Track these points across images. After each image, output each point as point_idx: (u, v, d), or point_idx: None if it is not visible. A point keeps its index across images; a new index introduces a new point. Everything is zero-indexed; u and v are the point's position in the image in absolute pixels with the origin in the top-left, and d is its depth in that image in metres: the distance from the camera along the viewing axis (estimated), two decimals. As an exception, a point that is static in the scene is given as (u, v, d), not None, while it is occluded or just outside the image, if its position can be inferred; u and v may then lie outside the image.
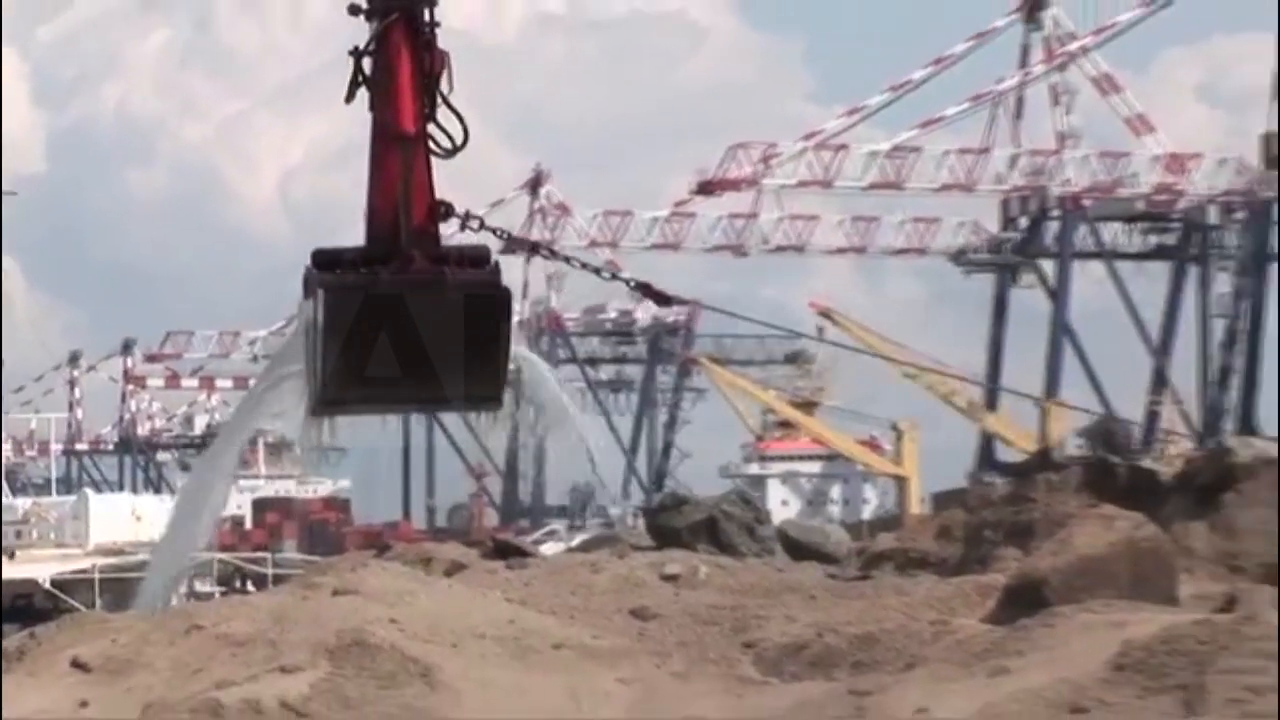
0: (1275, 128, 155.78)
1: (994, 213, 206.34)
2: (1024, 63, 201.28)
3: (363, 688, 25.98)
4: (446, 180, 29.40)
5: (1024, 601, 28.10)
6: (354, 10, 28.06)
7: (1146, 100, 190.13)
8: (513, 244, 31.65)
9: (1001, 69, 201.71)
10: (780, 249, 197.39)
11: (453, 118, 28.01)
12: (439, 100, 27.68)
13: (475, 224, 28.65)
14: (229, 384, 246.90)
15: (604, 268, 38.55)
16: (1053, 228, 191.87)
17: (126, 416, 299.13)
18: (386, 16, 28.09)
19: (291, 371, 29.19)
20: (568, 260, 36.47)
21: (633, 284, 33.78)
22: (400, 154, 28.17)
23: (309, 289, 28.15)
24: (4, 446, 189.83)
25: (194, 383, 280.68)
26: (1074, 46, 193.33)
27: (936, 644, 27.06)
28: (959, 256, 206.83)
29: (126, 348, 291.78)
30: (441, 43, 26.99)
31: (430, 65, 28.19)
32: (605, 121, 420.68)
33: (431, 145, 27.69)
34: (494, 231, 29.48)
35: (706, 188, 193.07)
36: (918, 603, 30.96)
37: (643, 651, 28.51)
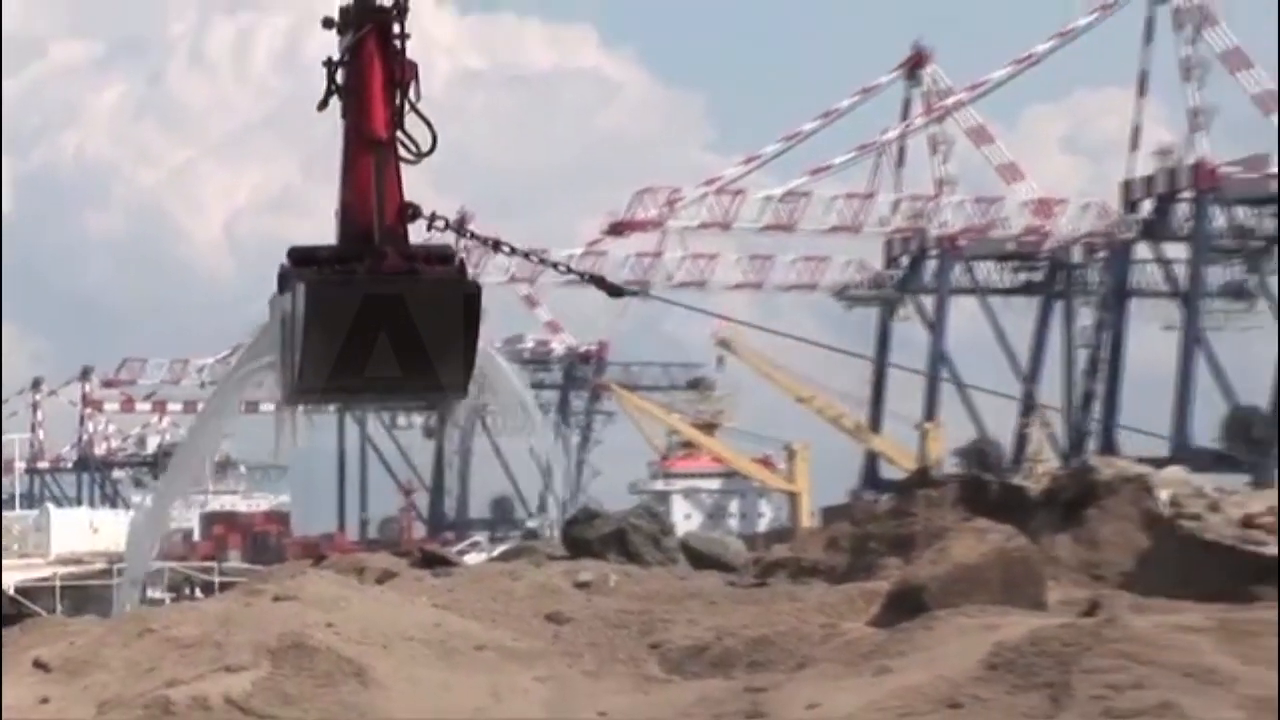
0: (1134, 175, 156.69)
1: (878, 252, 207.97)
2: (905, 115, 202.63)
3: (301, 685, 25.87)
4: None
5: (905, 606, 28.14)
6: (328, 23, 27.87)
7: (1016, 150, 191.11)
8: (475, 242, 31.39)
9: (885, 121, 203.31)
10: (683, 284, 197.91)
11: (421, 125, 28.02)
12: (408, 108, 27.64)
13: (441, 224, 28.55)
14: (179, 408, 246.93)
15: (562, 262, 37.44)
16: (931, 266, 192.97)
17: (85, 437, 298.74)
18: (360, 29, 28.12)
19: (264, 363, 28.93)
20: (526, 256, 35.73)
21: (587, 277, 33.97)
22: (373, 158, 28.00)
23: (285, 284, 28.04)
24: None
25: (147, 406, 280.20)
26: (950, 101, 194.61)
27: (825, 645, 27.08)
28: (843, 292, 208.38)
29: (85, 374, 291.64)
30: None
31: (401, 75, 28.18)
32: (525, 168, 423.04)
33: (401, 151, 27.60)
34: (459, 232, 29.55)
35: (616, 229, 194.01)
36: (808, 608, 30.99)
37: (557, 652, 28.49)
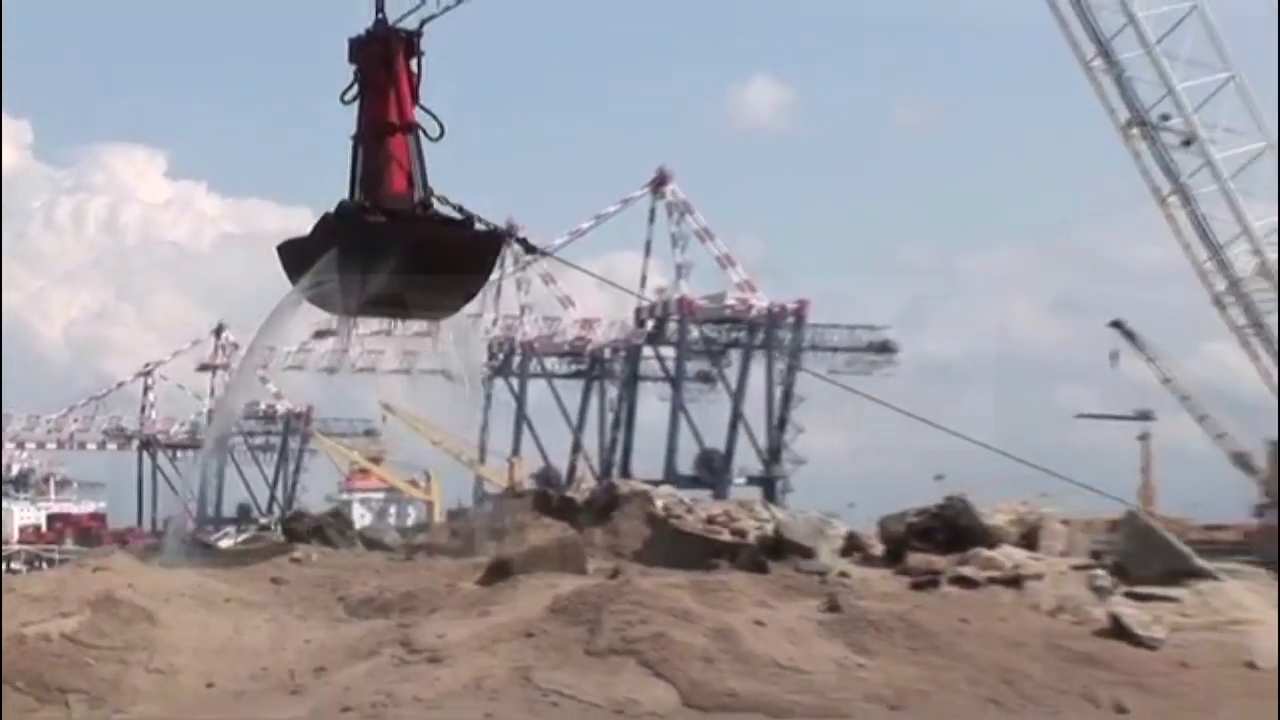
0: (642, 304, 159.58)
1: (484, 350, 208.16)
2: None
3: (111, 625, 25.17)
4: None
5: (499, 574, 28.15)
6: (354, 41, 26.40)
7: (572, 287, 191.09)
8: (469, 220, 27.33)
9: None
10: (361, 370, 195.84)
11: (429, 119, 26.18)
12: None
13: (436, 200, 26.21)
14: (34, 445, 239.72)
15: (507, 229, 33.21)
16: (516, 360, 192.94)
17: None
18: (391, 40, 26.91)
19: (319, 288, 26.08)
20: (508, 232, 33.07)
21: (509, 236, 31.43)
22: (404, 138, 26.88)
23: (349, 230, 25.84)
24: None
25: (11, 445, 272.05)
26: (531, 258, 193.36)
27: (449, 597, 27.01)
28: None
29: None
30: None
31: (418, 77, 27.13)
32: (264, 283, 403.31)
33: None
34: (458, 210, 26.20)
35: (320, 335, 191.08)
36: (439, 573, 31.02)
37: (278, 603, 28.11)
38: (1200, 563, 28.02)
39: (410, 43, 26.45)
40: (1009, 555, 27.83)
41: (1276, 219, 30.67)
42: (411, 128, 26.42)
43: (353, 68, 26.55)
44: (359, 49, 26.66)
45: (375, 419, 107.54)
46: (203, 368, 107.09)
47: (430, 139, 26.54)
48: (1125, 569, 27.71)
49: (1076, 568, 27.88)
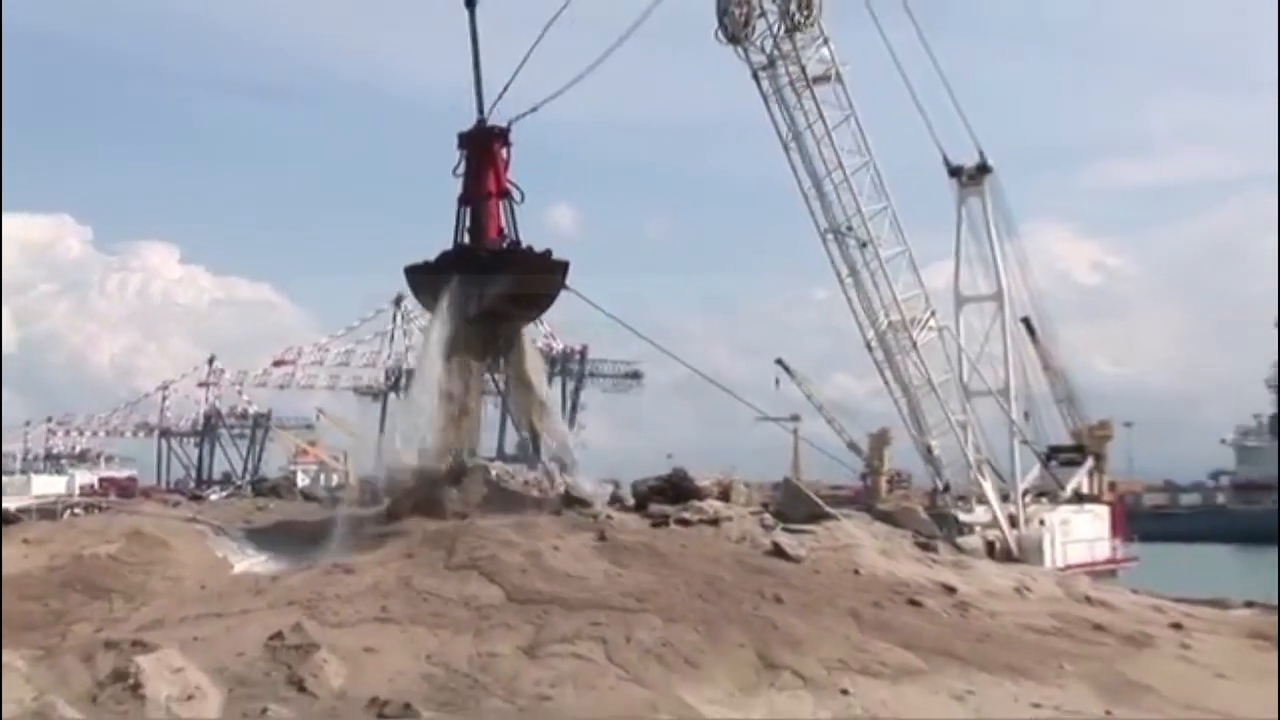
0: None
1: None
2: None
3: (140, 548, 24.63)
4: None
5: (391, 517, 27.29)
6: (463, 134, 26.06)
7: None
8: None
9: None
10: (304, 387, 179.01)
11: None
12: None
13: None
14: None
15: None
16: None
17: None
18: (491, 135, 26.06)
19: (448, 311, 26.05)
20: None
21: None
22: (498, 202, 26.42)
23: (465, 263, 25.45)
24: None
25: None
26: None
27: (357, 532, 26.92)
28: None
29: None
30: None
31: (506, 162, 26.43)
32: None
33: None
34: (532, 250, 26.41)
35: (278, 364, 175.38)
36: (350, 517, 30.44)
37: (247, 535, 27.62)
38: (828, 510, 27.90)
39: (504, 135, 26.32)
40: (712, 505, 27.35)
41: (917, 291, 31.62)
42: (504, 194, 26.37)
43: (460, 151, 26.27)
44: (466, 139, 26.39)
45: (312, 418, 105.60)
46: (200, 384, 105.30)
47: (517, 203, 26.39)
48: (782, 514, 27.48)
49: (753, 513, 27.59)
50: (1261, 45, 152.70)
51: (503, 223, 26.43)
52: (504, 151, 26.32)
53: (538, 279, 25.79)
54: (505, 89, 25.87)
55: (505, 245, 26.54)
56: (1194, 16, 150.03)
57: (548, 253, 26.13)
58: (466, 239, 26.31)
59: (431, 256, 27.15)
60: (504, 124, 26.32)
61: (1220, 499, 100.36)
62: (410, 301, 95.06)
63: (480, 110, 26.09)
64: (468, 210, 26.38)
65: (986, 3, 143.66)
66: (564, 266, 26.12)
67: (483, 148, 26.16)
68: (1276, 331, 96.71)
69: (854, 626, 20.09)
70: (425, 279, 26.36)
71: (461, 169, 26.33)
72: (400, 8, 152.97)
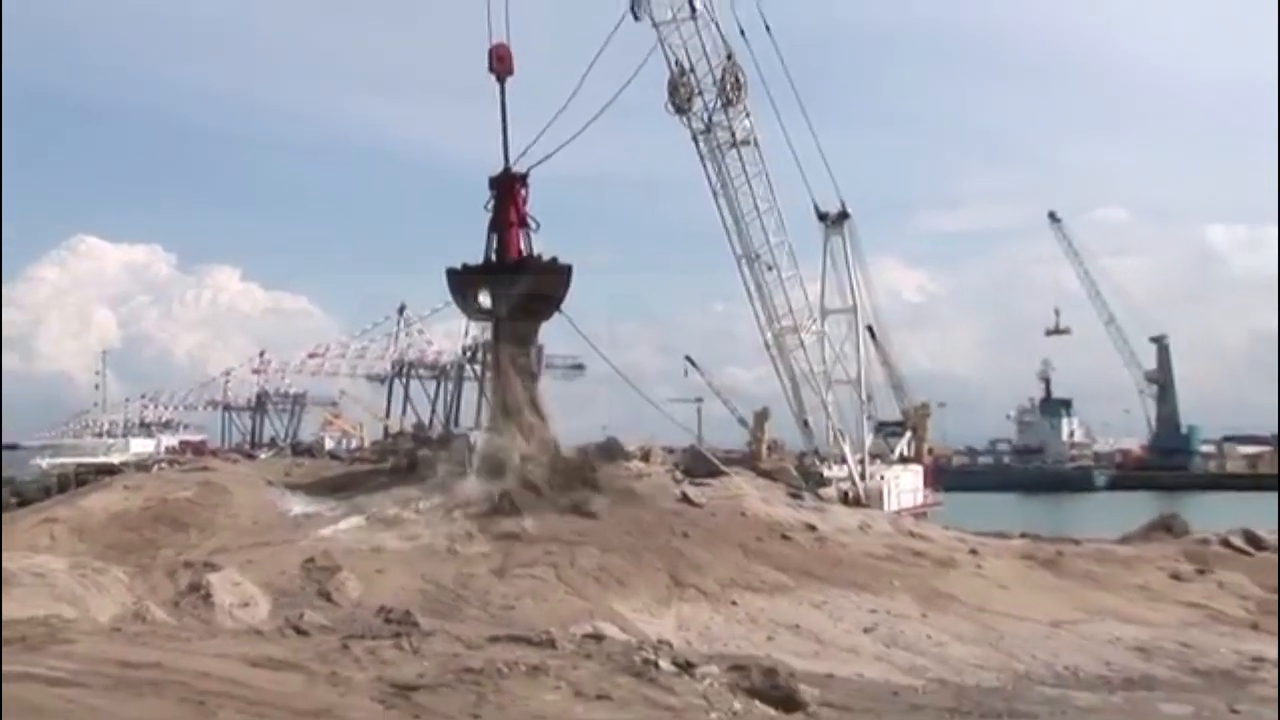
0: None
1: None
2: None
3: (209, 493, 24.00)
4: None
5: (398, 472, 26.51)
6: (492, 178, 25.29)
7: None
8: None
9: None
10: (329, 374, 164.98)
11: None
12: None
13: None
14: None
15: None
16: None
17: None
18: (513, 178, 25.37)
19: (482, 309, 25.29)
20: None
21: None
22: (519, 229, 25.45)
23: (495, 273, 24.68)
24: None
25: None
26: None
27: (371, 482, 26.17)
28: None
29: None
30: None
31: (525, 198, 25.58)
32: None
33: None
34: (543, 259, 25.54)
35: (312, 356, 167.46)
36: (367, 471, 29.27)
37: (290, 484, 26.64)
38: (723, 469, 27.46)
39: (524, 180, 25.95)
40: (637, 465, 26.98)
41: (804, 304, 31.57)
42: (524, 223, 26.00)
43: (491, 191, 25.50)
44: (495, 182, 25.98)
45: (336, 396, 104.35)
46: (253, 371, 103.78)
47: (534, 230, 25.95)
48: (689, 471, 27.21)
49: (668, 470, 27.26)
50: (1040, 132, 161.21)
51: (522, 244, 26.28)
52: (523, 191, 26.25)
53: (549, 279, 25.58)
54: (528, 148, 25.68)
55: (524, 260, 26.28)
56: (986, 114, 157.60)
57: (554, 259, 25.99)
58: (494, 258, 26.18)
59: (437, 273, 26.87)
60: (524, 170, 26.26)
61: (1006, 460, 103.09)
62: (411, 308, 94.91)
63: (506, 159, 26.01)
64: (495, 235, 26.20)
65: (854, 96, 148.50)
66: (568, 269, 25.88)
67: (507, 188, 26.13)
68: (1044, 337, 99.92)
69: (741, 555, 20.24)
70: (460, 282, 26.22)
71: (491, 204, 26.27)
72: (423, 84, 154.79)
